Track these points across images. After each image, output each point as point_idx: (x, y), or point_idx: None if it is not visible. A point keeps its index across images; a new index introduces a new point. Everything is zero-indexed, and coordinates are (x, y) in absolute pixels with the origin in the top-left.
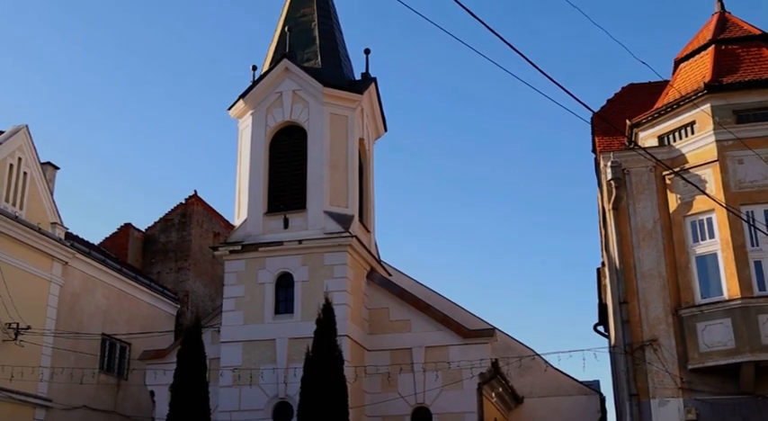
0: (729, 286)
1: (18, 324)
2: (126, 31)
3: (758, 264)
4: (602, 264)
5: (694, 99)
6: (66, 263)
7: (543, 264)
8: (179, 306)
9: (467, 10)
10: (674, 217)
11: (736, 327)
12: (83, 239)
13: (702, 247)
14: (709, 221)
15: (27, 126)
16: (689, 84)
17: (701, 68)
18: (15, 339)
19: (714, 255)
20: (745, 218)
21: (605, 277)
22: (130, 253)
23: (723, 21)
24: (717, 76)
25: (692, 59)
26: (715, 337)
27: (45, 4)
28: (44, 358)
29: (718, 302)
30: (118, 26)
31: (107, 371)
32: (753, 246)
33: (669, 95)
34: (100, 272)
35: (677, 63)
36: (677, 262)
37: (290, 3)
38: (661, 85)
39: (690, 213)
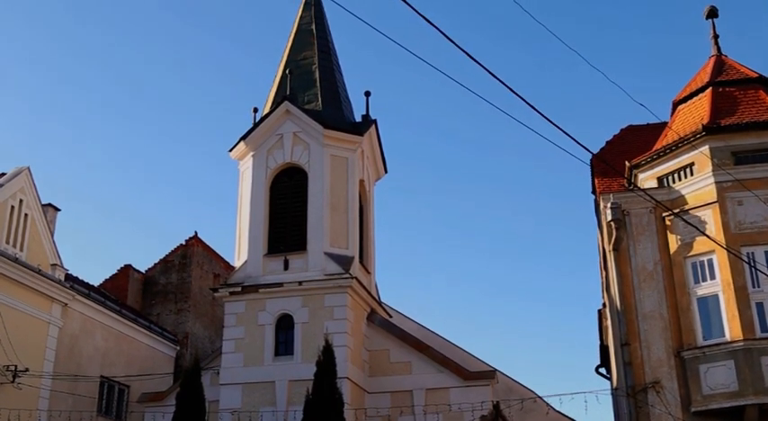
0: (731, 328)
1: (16, 366)
2: (126, 72)
3: (760, 306)
4: (603, 305)
5: (693, 141)
6: (66, 304)
7: (544, 306)
8: (178, 348)
9: (466, 53)
10: (674, 258)
11: (739, 370)
12: (83, 281)
13: (703, 289)
14: (710, 262)
15: (29, 168)
16: (687, 125)
17: (698, 110)
18: (13, 382)
19: (715, 297)
20: (745, 259)
21: (606, 319)
22: (130, 294)
23: (720, 64)
24: (715, 118)
25: (689, 101)
26: (718, 379)
27: (46, 45)
28: (42, 401)
29: (720, 344)
30: (118, 67)
31: (105, 413)
32: (754, 287)
33: (668, 137)
34: (99, 313)
35: (675, 105)
36: (678, 303)
37: (291, 46)
38: (660, 127)
39: (690, 254)
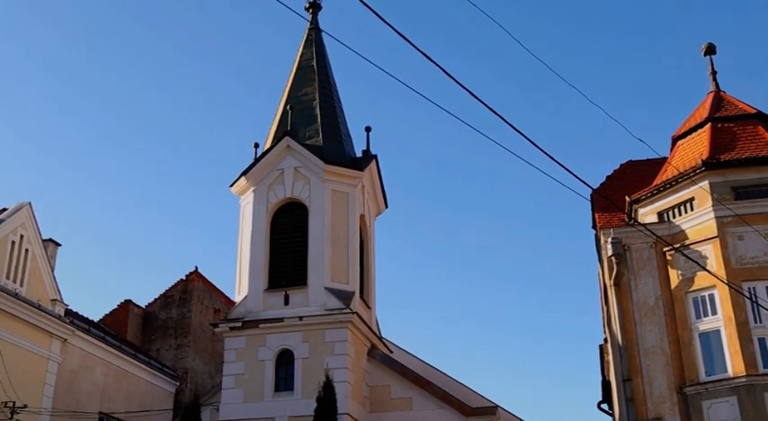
0: (734, 363)
1: (14, 402)
2: (127, 106)
3: (762, 341)
4: (605, 340)
5: (692, 176)
6: (66, 340)
7: (545, 341)
8: (178, 383)
9: (467, 90)
10: (675, 293)
11: (743, 406)
12: (82, 316)
13: (705, 324)
14: (711, 298)
15: (30, 203)
16: (687, 161)
17: (698, 146)
18: (11, 418)
19: (717, 332)
20: (747, 294)
21: (608, 354)
22: (130, 329)
23: (718, 99)
24: (714, 154)
25: (689, 137)
26: (721, 416)
27: (47, 79)
28: None
29: (722, 380)
30: (119, 102)
31: None
32: (756, 322)
33: (668, 172)
34: (99, 349)
35: (675, 140)
36: (680, 338)
37: (292, 82)
38: (659, 162)
39: (691, 289)
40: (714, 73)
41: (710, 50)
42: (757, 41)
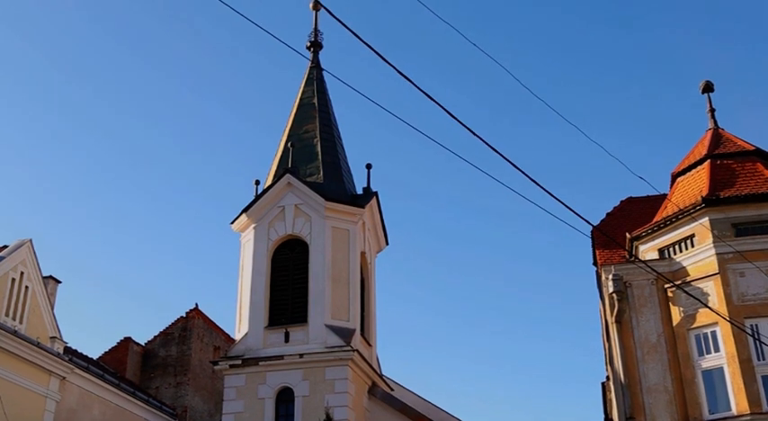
0: (737, 401)
1: None
2: (129, 142)
3: (766, 379)
4: (607, 378)
5: (693, 212)
6: (64, 378)
7: (547, 379)
8: None
9: (468, 129)
10: (677, 330)
11: None
12: (82, 354)
13: (708, 361)
14: (714, 335)
15: (31, 240)
16: (686, 197)
17: (697, 182)
18: None
19: (720, 370)
20: (749, 331)
21: (610, 392)
22: (129, 367)
23: (717, 136)
24: (714, 190)
25: (688, 174)
26: None
27: (48, 114)
28: None
29: (726, 418)
30: (121, 137)
31: None
32: (759, 360)
33: (668, 209)
34: (97, 387)
35: (674, 177)
36: (683, 376)
37: (293, 119)
38: (659, 199)
39: (693, 326)
40: (712, 110)
41: (708, 88)
42: (754, 79)
